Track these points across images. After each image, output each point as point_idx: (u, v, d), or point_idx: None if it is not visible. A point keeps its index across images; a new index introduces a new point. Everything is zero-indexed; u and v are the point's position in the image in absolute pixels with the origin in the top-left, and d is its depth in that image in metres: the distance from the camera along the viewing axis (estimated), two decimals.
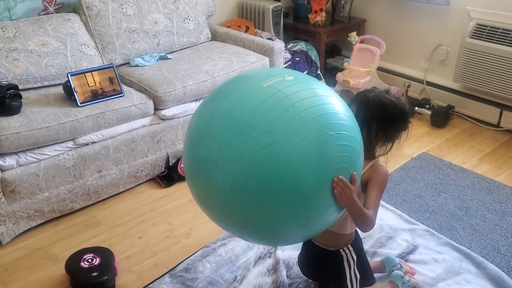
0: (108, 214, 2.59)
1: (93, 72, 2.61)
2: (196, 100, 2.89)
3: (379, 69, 3.91)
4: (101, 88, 2.60)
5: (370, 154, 1.64)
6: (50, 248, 2.36)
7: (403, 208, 2.61)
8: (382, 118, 1.61)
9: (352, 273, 1.77)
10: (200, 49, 3.29)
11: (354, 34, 3.77)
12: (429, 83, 3.76)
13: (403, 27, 3.85)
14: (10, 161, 2.30)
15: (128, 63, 3.06)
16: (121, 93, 2.65)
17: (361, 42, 3.82)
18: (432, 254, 2.26)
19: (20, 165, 2.33)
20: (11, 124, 2.29)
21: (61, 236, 2.44)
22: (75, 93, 2.51)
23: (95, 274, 2.05)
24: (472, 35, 3.29)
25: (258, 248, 2.29)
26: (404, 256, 2.24)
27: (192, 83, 2.82)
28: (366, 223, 1.55)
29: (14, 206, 2.34)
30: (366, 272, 1.84)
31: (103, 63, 2.94)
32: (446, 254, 2.26)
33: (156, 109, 2.75)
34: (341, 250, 1.76)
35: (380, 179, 1.63)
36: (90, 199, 2.60)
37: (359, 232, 1.83)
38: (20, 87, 2.58)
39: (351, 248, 1.78)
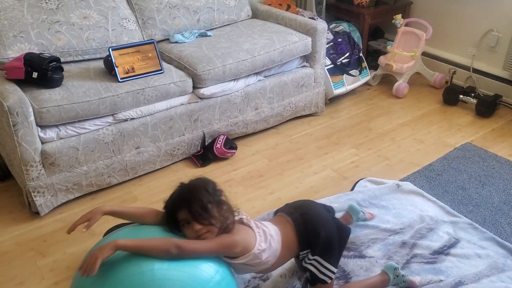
0: (145, 191, 2.59)
1: (134, 48, 2.59)
2: (235, 79, 2.84)
3: (424, 54, 3.76)
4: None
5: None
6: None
7: (445, 199, 2.52)
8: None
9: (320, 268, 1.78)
10: (240, 27, 3.22)
11: (399, 16, 3.63)
12: (476, 71, 3.59)
13: (452, 10, 3.67)
14: (50, 133, 2.31)
15: (168, 39, 3.02)
16: (161, 69, 2.62)
17: (406, 25, 3.67)
18: (475, 249, 2.17)
19: (60, 138, 2.34)
20: (53, 96, 2.30)
21: None
22: (115, 68, 2.49)
23: None
24: None
25: None
26: (446, 249, 2.17)
27: (232, 61, 2.77)
28: (161, 253, 1.45)
29: (53, 178, 2.36)
30: (331, 248, 1.80)
31: (143, 38, 2.91)
32: (490, 249, 2.17)
33: (194, 87, 2.71)
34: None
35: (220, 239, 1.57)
36: (127, 175, 2.61)
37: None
38: (61, 59, 2.57)
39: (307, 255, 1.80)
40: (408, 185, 2.58)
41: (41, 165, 2.31)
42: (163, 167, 2.75)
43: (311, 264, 1.77)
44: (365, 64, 3.55)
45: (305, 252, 1.79)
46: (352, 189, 2.60)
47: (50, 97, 2.29)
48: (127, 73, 2.52)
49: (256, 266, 1.69)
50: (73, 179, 2.42)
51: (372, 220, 2.35)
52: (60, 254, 2.19)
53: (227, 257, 1.62)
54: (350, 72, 3.44)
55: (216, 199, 1.60)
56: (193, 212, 1.53)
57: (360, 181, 2.66)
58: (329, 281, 1.78)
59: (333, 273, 1.79)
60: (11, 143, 2.25)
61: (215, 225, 1.56)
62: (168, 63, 2.79)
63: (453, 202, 2.50)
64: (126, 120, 2.50)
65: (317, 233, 1.77)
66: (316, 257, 1.77)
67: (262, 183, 2.66)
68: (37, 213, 2.39)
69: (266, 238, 1.69)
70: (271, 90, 3.02)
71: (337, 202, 2.46)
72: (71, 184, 2.43)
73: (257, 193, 2.58)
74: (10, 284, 2.03)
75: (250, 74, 2.92)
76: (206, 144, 2.84)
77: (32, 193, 2.32)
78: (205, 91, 2.72)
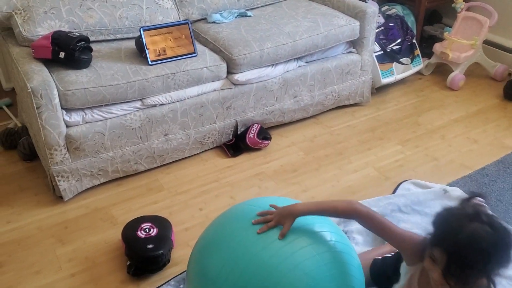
0: (172, 180, 2.48)
1: (167, 28, 2.44)
2: (273, 65, 2.65)
3: (485, 42, 3.40)
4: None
5: None
6: (111, 209, 2.30)
7: (498, 210, 2.26)
8: (492, 266, 1.21)
9: None
10: (283, 7, 3.00)
11: (460, 0, 3.29)
12: None
13: None
14: (76, 117, 2.22)
15: (205, 18, 2.85)
16: (194, 53, 2.46)
17: (468, 9, 3.33)
18: None
19: (86, 122, 2.25)
20: (79, 78, 2.19)
21: (123, 198, 2.37)
22: (146, 50, 2.35)
23: (150, 246, 1.94)
24: None
25: None
26: None
27: (271, 45, 2.57)
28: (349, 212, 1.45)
29: (78, 163, 2.28)
30: None
31: (179, 17, 2.75)
32: None
33: (229, 72, 2.55)
34: None
35: None
36: (154, 162, 2.50)
37: None
38: (93, 38, 2.47)
39: None
40: (457, 191, 2.34)
41: (66, 150, 2.23)
42: (192, 156, 2.62)
43: None
44: (418, 51, 3.26)
45: None
46: (394, 192, 2.39)
47: (77, 79, 2.19)
48: (158, 55, 2.38)
49: None
50: (98, 165, 2.34)
51: (414, 229, 2.14)
52: (80, 243, 2.12)
53: None
54: (400, 60, 3.16)
55: (487, 274, 1.23)
56: (449, 270, 1.21)
57: (404, 183, 2.44)
58: None
59: None
60: (36, 126, 2.18)
61: None
62: (203, 45, 2.63)
63: (507, 214, 2.24)
64: (154, 105, 2.37)
65: None
66: None
67: (295, 179, 2.48)
68: (61, 197, 2.33)
69: None
70: (313, 77, 2.81)
71: (377, 205, 2.26)
72: (97, 170, 2.35)
73: (289, 189, 2.41)
74: (28, 271, 1.98)
75: (290, 59, 2.72)
76: (239, 133, 2.68)
77: (56, 178, 2.26)
78: (239, 77, 2.55)
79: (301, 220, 1.47)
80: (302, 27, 2.71)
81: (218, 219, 1.59)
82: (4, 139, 2.66)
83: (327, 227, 1.49)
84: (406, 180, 2.45)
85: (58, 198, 2.35)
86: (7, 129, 2.68)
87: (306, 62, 2.80)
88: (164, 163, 2.54)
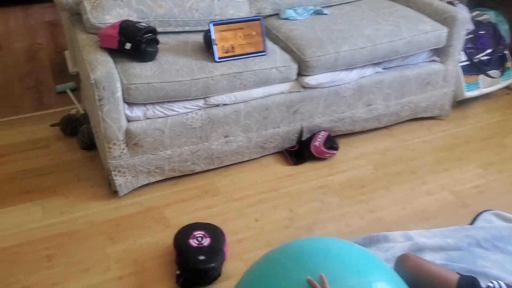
0: (228, 184, 2.35)
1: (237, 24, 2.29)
2: (348, 69, 2.44)
3: None
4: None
5: None
6: (164, 210, 2.20)
7: None
8: None
9: None
10: (363, 7, 2.78)
11: None
12: None
13: None
14: (137, 112, 2.13)
15: (278, 14, 2.68)
16: (264, 51, 2.30)
17: None
18: None
19: (147, 118, 2.16)
20: (144, 72, 2.10)
21: (177, 199, 2.27)
22: (214, 46, 2.22)
23: (202, 258, 1.83)
24: None
25: None
26: None
27: (347, 48, 2.37)
28: None
29: (136, 159, 2.20)
30: None
31: (251, 12, 2.60)
32: None
33: (299, 74, 2.37)
34: None
35: None
36: (212, 164, 2.38)
37: None
38: (160, 29, 2.37)
39: None
40: None
41: (125, 144, 2.15)
42: (252, 160, 2.48)
43: None
44: (509, 64, 2.93)
45: None
46: (473, 222, 2.14)
47: (141, 72, 2.10)
48: (226, 52, 2.24)
49: None
50: (156, 162, 2.25)
51: (494, 268, 1.89)
52: (131, 243, 2.03)
53: None
54: (488, 72, 2.85)
55: None
56: None
57: (484, 213, 2.18)
58: None
59: None
60: (96, 117, 2.11)
61: None
62: (274, 43, 2.47)
63: None
64: (217, 105, 2.24)
65: None
66: None
67: (362, 196, 2.28)
68: (116, 192, 2.26)
69: None
70: (390, 85, 2.57)
71: (452, 237, 2.02)
72: (153, 167, 2.26)
73: (354, 207, 2.21)
74: (76, 268, 1.92)
75: (367, 65, 2.50)
76: (303, 139, 2.51)
77: (112, 172, 2.19)
78: (310, 80, 2.37)
79: (349, 267, 1.30)
80: (383, 30, 2.49)
81: (256, 270, 1.45)
82: (65, 125, 2.64)
83: (385, 278, 1.29)
84: (487, 210, 2.19)
85: (113, 192, 2.28)
86: (68, 115, 2.66)
87: (384, 69, 2.57)
88: (222, 165, 2.42)
